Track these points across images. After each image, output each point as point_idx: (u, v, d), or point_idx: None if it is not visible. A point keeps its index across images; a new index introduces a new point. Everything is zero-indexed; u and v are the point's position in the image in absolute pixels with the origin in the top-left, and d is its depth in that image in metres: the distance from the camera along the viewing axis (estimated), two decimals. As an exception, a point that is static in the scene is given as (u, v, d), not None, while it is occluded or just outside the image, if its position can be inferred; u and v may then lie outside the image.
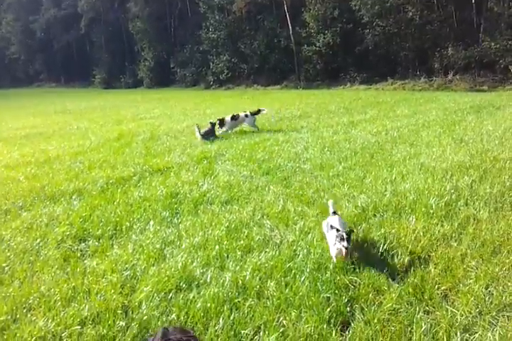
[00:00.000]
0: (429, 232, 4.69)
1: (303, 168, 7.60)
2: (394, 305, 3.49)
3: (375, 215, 5.28)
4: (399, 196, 5.78)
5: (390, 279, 3.88)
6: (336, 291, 3.71)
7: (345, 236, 4.01)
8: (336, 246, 4.09)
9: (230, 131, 11.79)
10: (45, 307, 3.67)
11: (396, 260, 4.17)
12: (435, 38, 24.70)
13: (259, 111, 12.12)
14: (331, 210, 4.73)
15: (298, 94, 24.13)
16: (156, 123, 14.30)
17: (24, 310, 3.68)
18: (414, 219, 5.01)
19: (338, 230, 4.11)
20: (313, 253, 4.34)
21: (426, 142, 9.06)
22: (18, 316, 3.60)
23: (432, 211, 5.22)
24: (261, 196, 6.23)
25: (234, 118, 11.78)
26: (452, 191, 5.80)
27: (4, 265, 4.49)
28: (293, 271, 4.05)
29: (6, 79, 64.16)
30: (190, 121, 14.26)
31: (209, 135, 10.95)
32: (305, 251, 4.42)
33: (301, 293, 3.67)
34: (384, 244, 4.44)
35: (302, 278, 3.90)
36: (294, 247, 4.54)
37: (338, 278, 3.90)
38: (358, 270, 4.05)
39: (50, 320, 3.48)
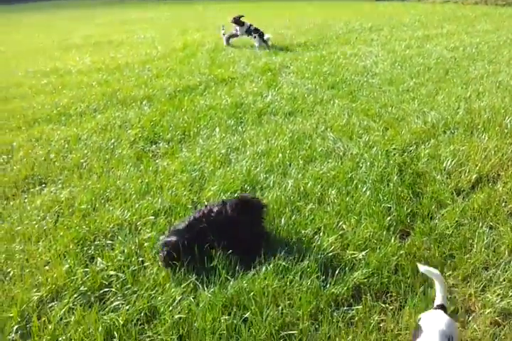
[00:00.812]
0: (500, 151, 4.49)
1: (371, 83, 7.32)
2: (457, 219, 3.48)
3: (444, 132, 5.09)
4: (472, 114, 5.49)
5: (454, 194, 3.84)
6: (398, 202, 3.73)
7: None
8: None
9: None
10: (121, 199, 4.00)
11: (463, 176, 4.08)
12: None
13: (262, 35, 11.10)
14: (437, 297, 2.36)
15: (369, 5, 22.32)
16: (219, 35, 13.91)
17: (102, 201, 4.03)
18: (486, 138, 4.79)
19: None
20: (376, 166, 4.31)
21: (506, 60, 8.38)
22: (97, 205, 3.95)
23: (506, 131, 4.96)
24: (325, 109, 6.14)
25: (248, 29, 11.25)
26: (532, 111, 5.41)
27: (82, 161, 4.86)
28: (354, 182, 4.08)
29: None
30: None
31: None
32: (368, 163, 4.40)
33: (361, 202, 3.73)
34: (452, 161, 4.32)
35: (364, 189, 3.93)
36: (357, 159, 4.52)
37: (401, 189, 3.90)
38: (421, 182, 4.04)
39: (126, 211, 3.79)
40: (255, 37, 11.11)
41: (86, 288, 2.92)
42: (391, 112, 5.83)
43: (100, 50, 12.25)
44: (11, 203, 4.09)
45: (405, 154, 4.62)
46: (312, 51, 10.28)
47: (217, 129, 5.56)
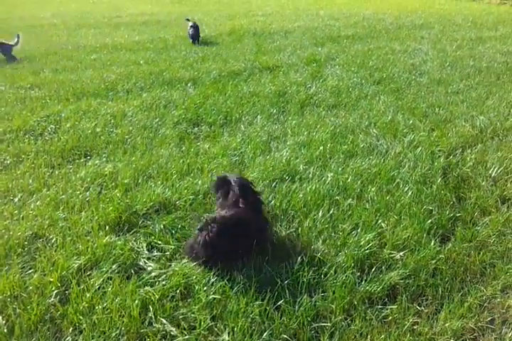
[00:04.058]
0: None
1: (418, 81, 7.16)
2: (500, 228, 3.39)
3: (492, 138, 4.95)
4: (524, 122, 5.30)
5: (499, 202, 3.73)
6: (440, 205, 3.65)
7: None
8: None
9: None
10: (162, 177, 4.06)
11: (509, 185, 3.96)
12: None
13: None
14: None
15: (421, 2, 21.62)
16: (267, 21, 13.85)
17: (144, 178, 4.09)
18: (538, 148, 4.62)
19: None
20: (420, 167, 4.23)
21: None
22: (139, 182, 4.01)
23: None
24: (370, 105, 6.05)
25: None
26: None
27: (127, 137, 4.95)
28: (396, 181, 4.01)
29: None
30: (302, 22, 13.65)
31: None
32: (411, 163, 4.32)
33: (402, 202, 3.66)
34: (499, 168, 4.20)
35: (406, 188, 3.86)
36: (400, 158, 4.45)
37: (444, 193, 3.82)
38: (465, 187, 3.94)
39: (167, 189, 3.84)
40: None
41: (124, 260, 2.98)
42: (438, 113, 5.69)
43: (149, 29, 12.39)
44: (57, 172, 4.21)
45: (451, 157, 4.50)
46: (359, 44, 10.11)
47: (259, 117, 5.56)
